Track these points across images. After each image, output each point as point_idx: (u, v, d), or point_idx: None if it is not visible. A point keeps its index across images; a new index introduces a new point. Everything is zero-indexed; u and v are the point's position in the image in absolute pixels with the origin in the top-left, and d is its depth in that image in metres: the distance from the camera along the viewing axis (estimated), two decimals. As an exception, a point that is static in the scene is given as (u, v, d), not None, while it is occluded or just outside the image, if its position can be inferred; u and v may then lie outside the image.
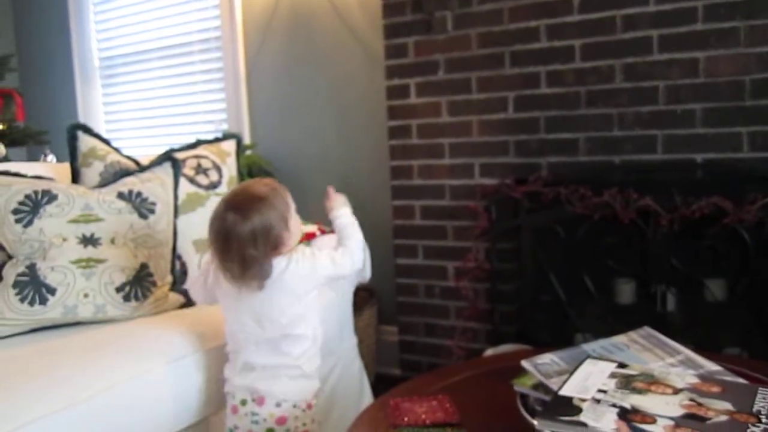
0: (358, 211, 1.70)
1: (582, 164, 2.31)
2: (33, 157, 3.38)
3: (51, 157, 3.44)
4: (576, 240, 2.26)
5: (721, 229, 2.00)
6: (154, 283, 1.90)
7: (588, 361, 1.18)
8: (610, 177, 2.21)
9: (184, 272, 2.12)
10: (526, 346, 2.22)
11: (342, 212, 1.68)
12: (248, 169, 2.96)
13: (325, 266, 1.54)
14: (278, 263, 1.47)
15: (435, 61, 2.53)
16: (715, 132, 2.10)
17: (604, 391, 1.06)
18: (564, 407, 1.02)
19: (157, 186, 2.03)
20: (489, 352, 2.35)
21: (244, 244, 1.43)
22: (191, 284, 1.78)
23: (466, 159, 2.51)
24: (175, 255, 2.07)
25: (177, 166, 2.15)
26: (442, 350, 2.60)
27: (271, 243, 1.46)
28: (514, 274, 2.43)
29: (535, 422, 1.01)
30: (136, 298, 1.84)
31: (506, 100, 2.41)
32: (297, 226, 1.57)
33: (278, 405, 1.51)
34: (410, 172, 2.63)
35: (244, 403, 1.52)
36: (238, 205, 1.46)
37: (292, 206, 1.55)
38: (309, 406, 1.56)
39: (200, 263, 2.13)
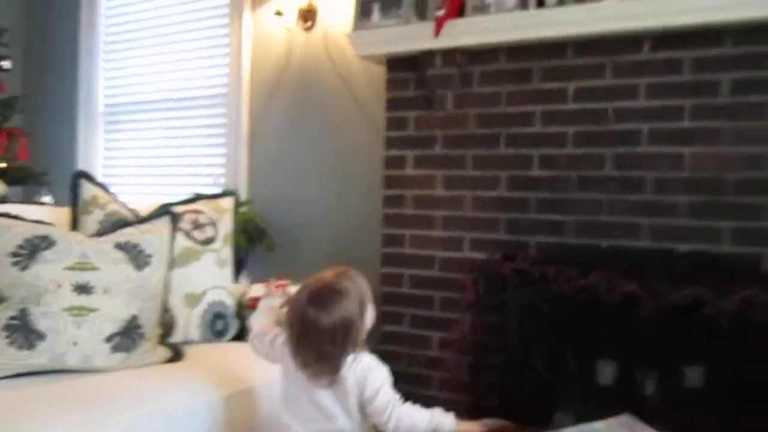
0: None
1: (569, 246, 2.37)
2: (30, 197, 3.42)
3: (49, 198, 3.48)
4: (560, 319, 2.30)
5: (701, 317, 2.05)
6: (143, 335, 1.91)
7: None
8: (596, 260, 2.28)
9: (170, 326, 2.14)
10: (506, 421, 2.23)
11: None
12: (243, 226, 3.01)
13: (382, 390, 1.56)
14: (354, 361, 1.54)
15: (433, 136, 2.62)
16: (698, 224, 2.18)
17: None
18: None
19: (154, 238, 2.07)
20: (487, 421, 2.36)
21: (323, 339, 1.50)
22: (259, 334, 1.76)
23: (457, 232, 2.57)
24: (166, 308, 2.09)
25: (175, 219, 2.19)
26: (422, 420, 2.60)
27: (351, 339, 1.53)
28: (498, 348, 2.46)
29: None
30: (125, 350, 1.85)
31: (499, 178, 2.50)
32: (370, 317, 1.61)
33: None
34: (402, 241, 2.69)
35: None
36: (319, 298, 1.52)
37: (369, 295, 1.60)
38: None
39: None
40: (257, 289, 2.49)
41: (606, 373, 2.37)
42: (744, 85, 2.12)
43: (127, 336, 1.87)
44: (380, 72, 2.80)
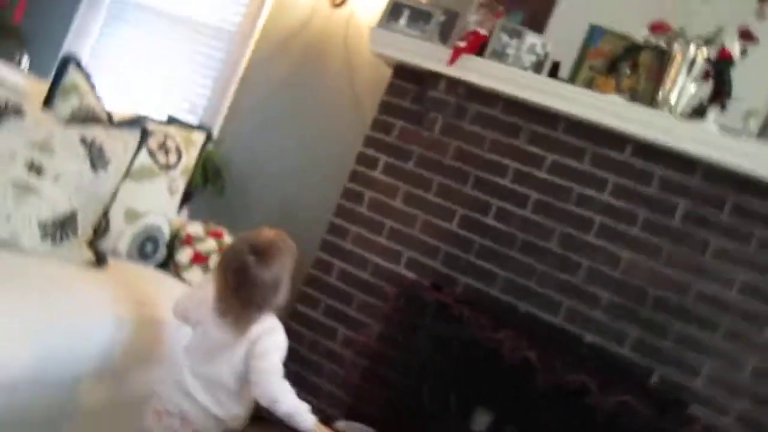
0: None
1: (493, 297, 2.50)
2: (7, 55, 3.35)
3: (25, 60, 3.42)
4: (461, 359, 2.43)
5: (582, 404, 2.20)
6: (75, 232, 1.93)
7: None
8: (511, 320, 2.41)
9: (102, 235, 2.16)
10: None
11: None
12: (202, 162, 3.02)
13: (268, 355, 1.63)
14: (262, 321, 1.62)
15: (411, 151, 2.70)
16: (609, 322, 2.34)
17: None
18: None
19: (119, 146, 2.09)
20: (341, 424, 2.45)
21: (255, 291, 1.58)
22: (186, 298, 1.84)
23: (399, 246, 2.66)
24: (105, 216, 2.11)
25: (145, 135, 2.21)
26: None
27: (276, 298, 1.62)
28: (395, 365, 2.57)
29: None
30: (54, 240, 1.87)
31: (455, 213, 2.60)
32: (287, 287, 1.68)
33: None
34: (346, 235, 2.76)
35: (170, 415, 1.64)
36: (263, 251, 1.59)
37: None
38: None
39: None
40: (195, 227, 2.53)
41: (481, 421, 2.51)
42: (697, 218, 2.28)
43: (60, 227, 1.89)
44: (386, 74, 2.87)
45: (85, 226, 1.97)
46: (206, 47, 3.67)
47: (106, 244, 2.18)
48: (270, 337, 1.64)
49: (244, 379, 1.64)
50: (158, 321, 1.99)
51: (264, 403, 1.60)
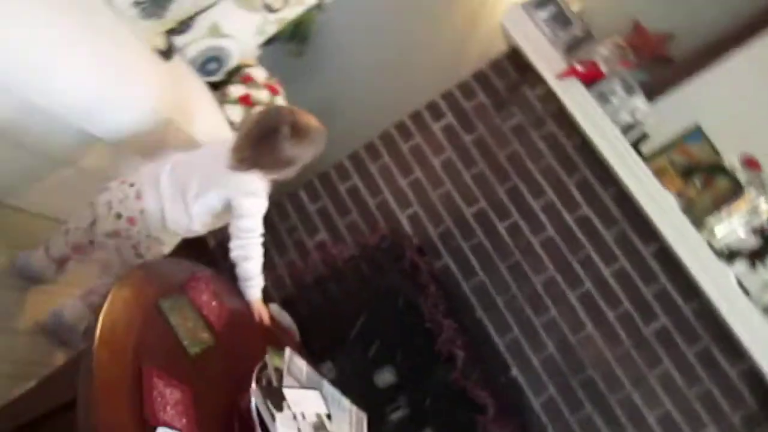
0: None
1: (461, 290, 2.61)
2: None
3: None
4: (403, 320, 2.56)
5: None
6: (162, 16, 2.01)
7: (316, 394, 1.44)
8: (463, 317, 2.53)
9: (185, 30, 2.23)
10: (293, 330, 2.49)
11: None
12: (297, 21, 3.04)
13: (252, 217, 1.72)
14: (250, 180, 1.68)
15: (475, 127, 2.74)
16: (539, 372, 2.46)
17: (303, 418, 1.32)
18: (276, 397, 1.27)
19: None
20: (274, 307, 2.59)
21: (270, 156, 1.66)
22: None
23: (413, 197, 2.74)
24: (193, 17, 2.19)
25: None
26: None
27: (282, 171, 1.70)
28: (346, 287, 2.68)
29: (253, 385, 1.26)
30: (142, 11, 1.95)
31: (476, 203, 2.67)
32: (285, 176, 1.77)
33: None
34: (377, 159, 2.82)
35: (131, 186, 1.73)
36: (300, 130, 1.66)
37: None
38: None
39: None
40: (258, 72, 2.61)
41: (384, 378, 2.64)
42: (668, 339, 2.39)
43: (153, 3, 1.96)
44: (498, 46, 2.87)
45: (173, 17, 2.04)
46: None
47: (179, 40, 2.24)
48: (252, 198, 1.71)
49: (207, 209, 1.75)
50: (176, 127, 2.06)
51: (234, 254, 1.70)
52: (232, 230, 1.71)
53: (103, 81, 1.80)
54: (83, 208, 1.82)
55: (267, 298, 2.68)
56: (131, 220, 1.71)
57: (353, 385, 2.46)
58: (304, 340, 2.42)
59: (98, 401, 0.99)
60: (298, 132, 1.67)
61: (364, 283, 2.67)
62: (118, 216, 1.71)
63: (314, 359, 2.25)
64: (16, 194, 1.99)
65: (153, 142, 2.07)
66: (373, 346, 2.61)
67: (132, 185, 1.75)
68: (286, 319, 2.55)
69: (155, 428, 1.06)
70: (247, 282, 1.71)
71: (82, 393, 1.01)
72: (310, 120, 1.73)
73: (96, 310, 1.66)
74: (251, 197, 1.71)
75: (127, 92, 1.88)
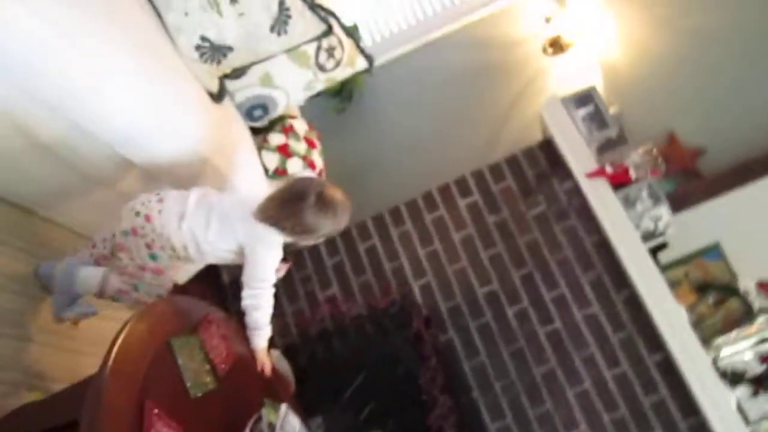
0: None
1: (461, 367, 2.62)
2: None
3: None
4: (399, 388, 2.57)
5: None
6: (219, 62, 2.11)
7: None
8: (459, 394, 2.53)
9: (238, 77, 2.34)
10: (290, 379, 2.50)
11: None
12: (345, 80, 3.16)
13: (264, 267, 1.76)
14: (268, 233, 1.73)
15: (499, 209, 2.80)
16: None
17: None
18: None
19: (302, 26, 2.23)
20: (275, 353, 2.61)
21: (290, 218, 1.70)
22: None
23: (428, 268, 2.78)
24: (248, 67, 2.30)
25: (326, 33, 2.33)
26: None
27: (295, 236, 1.74)
28: (349, 345, 2.71)
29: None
30: (201, 56, 2.05)
31: (489, 283, 2.71)
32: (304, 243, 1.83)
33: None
34: (399, 225, 2.88)
35: (155, 198, 1.80)
36: (324, 202, 1.71)
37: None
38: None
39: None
40: (300, 125, 2.70)
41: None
42: None
43: (213, 50, 2.07)
44: (533, 134, 2.96)
45: (230, 64, 2.14)
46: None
47: (231, 84, 2.35)
48: (272, 251, 1.76)
49: (222, 244, 1.79)
50: (214, 166, 2.11)
51: (245, 303, 1.74)
52: (244, 279, 1.76)
53: (154, 110, 1.87)
54: (111, 222, 1.88)
55: (270, 344, 2.73)
56: (148, 217, 1.76)
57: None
58: (299, 391, 2.44)
59: (101, 427, 1.02)
60: (323, 202, 1.71)
61: (368, 344, 2.69)
62: (137, 213, 1.77)
63: (306, 412, 2.27)
64: (50, 206, 2.07)
65: (187, 176, 2.14)
66: (366, 409, 2.61)
67: (158, 193, 1.82)
68: (284, 367, 2.57)
69: (146, 464, 1.09)
70: (254, 331, 1.75)
71: (87, 416, 1.05)
72: (337, 194, 1.78)
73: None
74: (266, 247, 1.75)
75: (175, 124, 1.96)
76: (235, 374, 1.52)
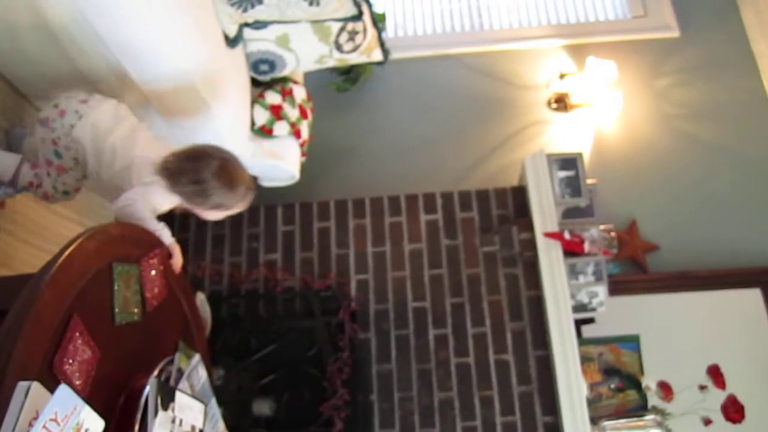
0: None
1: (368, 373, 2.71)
2: None
3: None
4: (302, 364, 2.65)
5: None
6: (246, 9, 2.12)
7: (200, 407, 1.51)
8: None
9: (257, 29, 2.35)
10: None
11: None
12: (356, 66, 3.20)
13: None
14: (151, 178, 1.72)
15: (456, 234, 2.89)
16: None
17: (180, 425, 1.39)
18: (167, 395, 1.35)
19: (337, 2, 2.27)
20: (201, 296, 2.65)
21: (191, 170, 1.68)
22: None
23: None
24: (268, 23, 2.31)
25: (356, 17, 2.38)
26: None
27: (187, 191, 1.70)
28: (275, 311, 2.76)
29: (154, 374, 1.34)
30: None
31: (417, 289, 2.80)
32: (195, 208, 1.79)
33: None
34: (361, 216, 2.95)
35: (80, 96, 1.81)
36: (228, 172, 1.70)
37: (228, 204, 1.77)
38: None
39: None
40: (299, 91, 2.73)
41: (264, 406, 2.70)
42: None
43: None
44: (511, 178, 3.05)
45: (256, 15, 2.16)
46: None
47: (248, 34, 2.36)
48: (153, 188, 1.71)
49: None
50: (203, 99, 2.13)
51: (120, 204, 1.69)
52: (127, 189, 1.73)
53: (163, 26, 1.86)
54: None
55: (198, 286, 2.76)
56: (62, 112, 1.77)
57: (231, 400, 2.53)
58: (212, 339, 2.48)
59: (26, 328, 1.05)
60: (224, 170, 1.70)
61: (290, 318, 2.75)
62: (55, 105, 1.79)
63: (211, 361, 2.33)
64: (41, 94, 2.07)
65: (173, 107, 2.14)
66: (267, 377, 2.67)
67: (88, 94, 1.83)
68: (206, 311, 2.61)
69: (54, 374, 1.13)
70: (140, 221, 1.66)
71: (14, 314, 1.07)
72: (243, 173, 1.76)
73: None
74: (151, 187, 1.71)
75: (179, 49, 1.96)
76: (160, 313, 1.56)
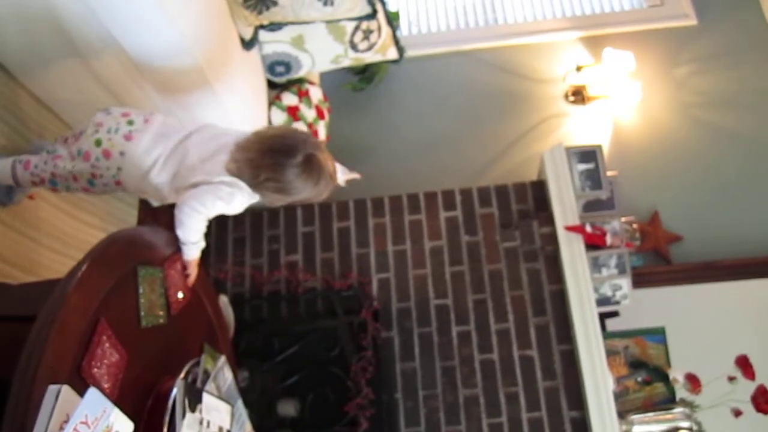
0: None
1: (393, 369, 2.70)
2: None
3: None
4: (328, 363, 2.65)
5: None
6: (260, 12, 2.13)
7: (227, 409, 1.52)
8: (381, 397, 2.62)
9: (271, 31, 2.36)
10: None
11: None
12: (372, 65, 3.20)
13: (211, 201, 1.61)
14: (221, 175, 1.60)
15: (476, 230, 2.88)
16: None
17: (207, 426, 1.40)
18: (194, 397, 1.35)
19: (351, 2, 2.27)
20: (224, 299, 2.67)
21: (273, 167, 1.54)
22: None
23: (402, 266, 2.86)
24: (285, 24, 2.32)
25: (370, 16, 2.36)
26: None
27: (268, 187, 1.57)
28: (298, 313, 2.77)
29: (181, 376, 1.35)
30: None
31: (445, 290, 2.79)
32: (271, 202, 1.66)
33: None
34: (379, 211, 2.95)
35: (125, 131, 1.70)
36: (313, 166, 1.54)
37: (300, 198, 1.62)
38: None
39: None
40: (315, 92, 2.74)
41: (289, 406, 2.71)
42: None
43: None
44: (531, 172, 3.03)
45: (269, 16, 2.17)
46: None
47: (263, 36, 2.36)
48: (220, 190, 1.60)
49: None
50: (205, 80, 2.04)
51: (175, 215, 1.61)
52: (184, 196, 1.61)
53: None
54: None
55: (221, 289, 2.77)
56: (106, 153, 1.68)
57: (256, 401, 2.54)
58: (236, 342, 2.49)
59: (54, 333, 1.07)
60: (311, 166, 1.54)
61: (312, 319, 2.76)
62: (98, 143, 1.68)
63: (236, 363, 2.34)
64: (26, 70, 2.08)
65: (176, 84, 2.03)
66: (292, 378, 2.68)
67: (130, 123, 1.69)
68: (229, 314, 2.63)
69: (83, 378, 1.14)
70: (182, 245, 1.60)
71: (42, 319, 1.09)
72: (329, 162, 1.60)
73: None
74: (221, 187, 1.59)
75: (185, 26, 1.86)
76: (185, 316, 1.57)
